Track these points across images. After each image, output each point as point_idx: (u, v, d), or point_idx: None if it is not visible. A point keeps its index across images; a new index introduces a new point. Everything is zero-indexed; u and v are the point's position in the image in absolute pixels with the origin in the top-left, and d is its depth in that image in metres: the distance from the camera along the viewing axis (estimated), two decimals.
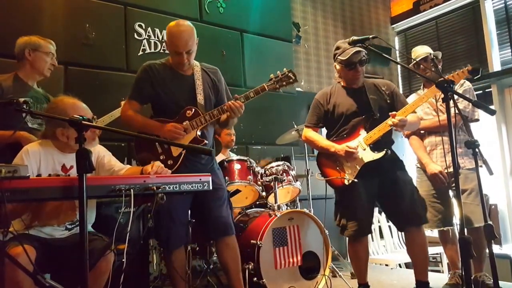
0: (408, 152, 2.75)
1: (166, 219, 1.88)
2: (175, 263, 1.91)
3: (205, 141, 1.95)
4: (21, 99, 1.25)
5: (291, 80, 2.02)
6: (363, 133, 2.09)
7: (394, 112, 2.01)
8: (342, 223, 2.12)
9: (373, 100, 2.11)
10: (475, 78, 2.00)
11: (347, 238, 2.20)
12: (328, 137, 2.24)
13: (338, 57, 2.11)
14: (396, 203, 2.08)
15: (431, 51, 2.57)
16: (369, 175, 2.07)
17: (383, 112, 2.09)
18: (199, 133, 1.95)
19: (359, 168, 2.07)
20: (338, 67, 2.17)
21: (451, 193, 2.44)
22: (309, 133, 2.25)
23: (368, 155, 2.06)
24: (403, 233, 2.35)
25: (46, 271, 1.51)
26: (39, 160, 1.59)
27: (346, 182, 2.06)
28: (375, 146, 2.06)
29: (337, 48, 2.14)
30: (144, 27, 3.31)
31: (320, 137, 2.23)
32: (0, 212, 1.27)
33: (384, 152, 2.04)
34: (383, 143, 2.09)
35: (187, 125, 1.92)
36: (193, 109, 1.95)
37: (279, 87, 2.02)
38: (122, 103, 2.54)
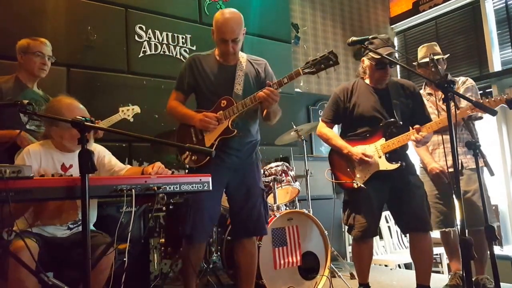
0: (410, 152, 2.75)
1: (196, 212, 1.85)
2: (193, 257, 1.89)
3: (236, 131, 1.88)
4: (25, 101, 1.27)
5: (331, 62, 1.80)
6: (381, 139, 2.05)
7: (418, 126, 1.96)
8: (350, 223, 2.10)
9: (396, 105, 2.05)
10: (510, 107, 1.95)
11: (348, 239, 2.19)
12: (343, 134, 2.19)
13: (370, 53, 2.02)
14: (406, 207, 2.04)
15: (438, 50, 2.57)
16: (381, 179, 2.04)
17: (405, 119, 2.04)
18: (231, 123, 1.88)
19: (370, 174, 2.04)
20: (367, 63, 2.10)
21: (453, 193, 2.43)
22: (324, 129, 2.19)
23: (383, 164, 2.03)
24: (407, 236, 2.32)
25: (49, 270, 1.53)
26: (39, 160, 1.62)
27: (355, 185, 2.03)
28: (391, 156, 2.03)
29: (371, 43, 1.96)
30: (144, 29, 3.33)
31: (335, 135, 2.17)
32: (4, 212, 1.29)
33: (399, 164, 2.00)
34: (400, 153, 2.05)
35: (220, 115, 1.89)
36: (228, 99, 1.90)
37: (316, 71, 1.83)
38: (121, 109, 2.57)
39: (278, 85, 1.86)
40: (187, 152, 1.89)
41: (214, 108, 1.92)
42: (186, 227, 1.86)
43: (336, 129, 2.31)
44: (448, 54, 2.66)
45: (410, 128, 2.06)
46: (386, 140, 2.05)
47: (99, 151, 1.79)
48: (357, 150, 2.05)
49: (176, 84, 2.03)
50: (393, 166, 2.02)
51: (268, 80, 1.95)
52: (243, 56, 2.02)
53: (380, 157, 2.04)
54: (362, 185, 2.02)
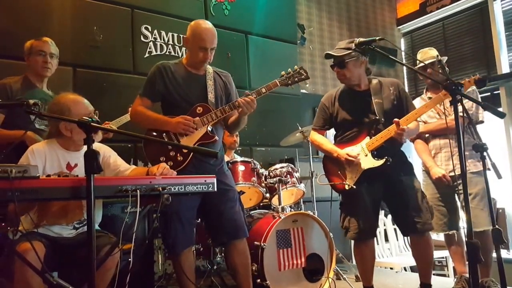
0: (414, 155, 2.73)
1: (174, 220, 1.87)
2: (184, 266, 1.88)
3: (216, 137, 1.94)
4: (31, 101, 1.27)
5: (302, 76, 2.05)
6: (366, 138, 2.08)
7: (397, 120, 1.97)
8: (345, 225, 2.12)
9: (378, 104, 2.08)
10: (480, 88, 1.97)
11: (352, 241, 2.20)
12: (335, 138, 2.24)
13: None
14: (400, 210, 2.07)
15: (437, 54, 2.55)
16: (373, 179, 2.05)
17: (389, 116, 2.06)
18: (209, 128, 1.94)
19: (359, 174, 2.06)
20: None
21: (456, 196, 2.42)
22: (314, 135, 2.26)
23: (369, 162, 2.04)
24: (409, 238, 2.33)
25: (54, 269, 1.53)
26: (44, 159, 1.62)
27: (346, 187, 2.07)
28: (378, 153, 2.04)
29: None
30: (150, 30, 3.35)
31: (324, 140, 2.22)
32: (10, 211, 1.30)
33: (384, 160, 2.01)
34: (389, 149, 2.05)
35: (198, 121, 1.92)
36: (204, 106, 1.96)
37: (291, 83, 2.04)
38: (130, 109, 2.57)
39: (256, 94, 1.97)
40: (161, 158, 1.87)
41: (188, 115, 1.94)
42: (168, 238, 1.88)
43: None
44: (446, 57, 2.63)
45: None
46: (370, 138, 2.07)
47: (104, 151, 1.79)
48: (343, 151, 2.08)
49: (142, 90, 2.00)
50: (379, 162, 2.02)
51: (232, 92, 2.09)
52: (209, 67, 2.07)
53: (366, 155, 2.06)
54: (353, 186, 2.04)
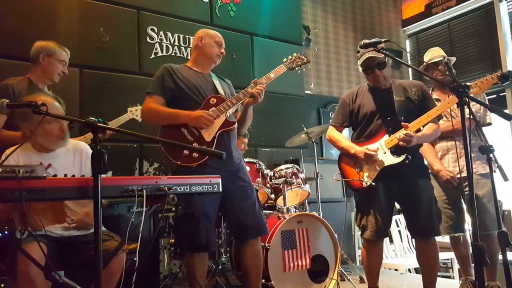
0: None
1: (204, 221, 1.83)
2: (200, 268, 1.86)
3: (236, 123, 1.97)
4: (39, 102, 1.28)
5: (304, 60, 2.20)
6: (385, 136, 2.07)
7: (406, 124, 1.95)
8: (363, 224, 2.10)
9: (399, 102, 2.06)
10: (504, 83, 1.97)
11: (358, 242, 2.18)
12: (353, 136, 2.23)
13: (358, 61, 2.11)
14: (412, 212, 2.05)
15: (445, 54, 2.55)
16: (389, 179, 2.04)
17: (410, 115, 2.04)
18: (228, 115, 1.95)
19: (378, 171, 2.04)
20: (360, 69, 2.17)
21: (462, 198, 2.41)
22: (332, 132, 2.24)
23: (388, 159, 2.02)
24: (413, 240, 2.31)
25: (60, 269, 1.54)
26: (17, 161, 1.61)
27: (364, 184, 2.04)
28: (396, 150, 2.02)
29: (357, 51, 2.11)
30: (156, 31, 3.37)
31: (342, 137, 2.21)
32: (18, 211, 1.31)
33: (404, 157, 1.99)
34: (405, 147, 2.02)
35: (214, 111, 1.93)
36: (217, 97, 1.98)
37: (295, 67, 2.18)
38: (129, 109, 2.59)
39: (266, 79, 2.03)
40: (184, 151, 1.85)
41: (202, 106, 1.95)
42: (201, 238, 1.82)
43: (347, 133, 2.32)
44: (455, 58, 2.62)
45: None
46: (389, 135, 2.05)
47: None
48: (362, 148, 2.07)
49: (152, 89, 1.98)
50: (398, 159, 2.00)
51: (232, 94, 2.12)
52: (210, 72, 2.13)
53: (385, 152, 2.04)
54: (372, 183, 2.02)
